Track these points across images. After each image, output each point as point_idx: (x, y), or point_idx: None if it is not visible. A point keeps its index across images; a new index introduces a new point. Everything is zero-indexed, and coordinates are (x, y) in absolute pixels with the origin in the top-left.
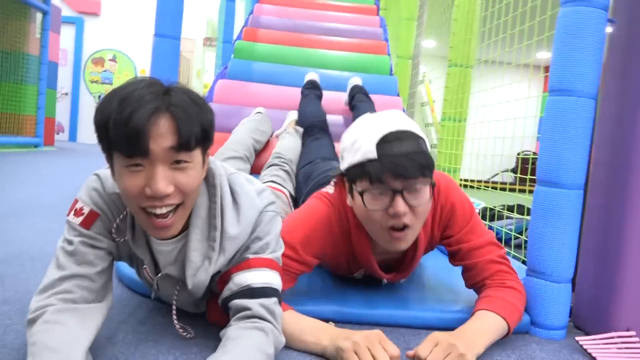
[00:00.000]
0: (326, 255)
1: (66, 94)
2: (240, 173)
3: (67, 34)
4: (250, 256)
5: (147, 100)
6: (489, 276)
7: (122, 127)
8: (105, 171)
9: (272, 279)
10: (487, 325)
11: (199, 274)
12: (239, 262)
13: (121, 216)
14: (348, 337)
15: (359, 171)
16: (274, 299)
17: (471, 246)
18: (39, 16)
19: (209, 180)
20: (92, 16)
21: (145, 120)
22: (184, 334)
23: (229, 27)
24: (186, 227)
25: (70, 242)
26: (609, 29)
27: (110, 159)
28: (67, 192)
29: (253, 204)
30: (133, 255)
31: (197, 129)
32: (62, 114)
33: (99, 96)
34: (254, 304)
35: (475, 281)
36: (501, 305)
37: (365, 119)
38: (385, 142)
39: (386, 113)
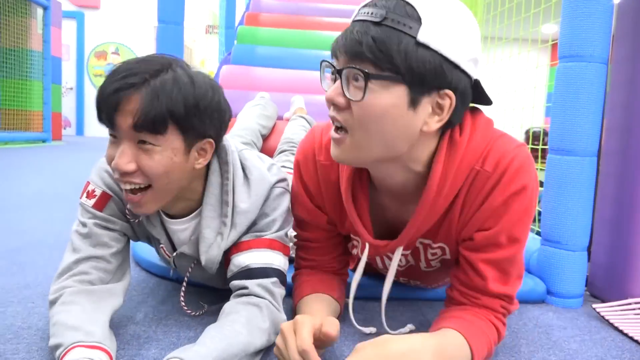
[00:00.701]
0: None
1: (71, 88)
2: (249, 149)
3: (68, 29)
4: (251, 237)
5: (127, 75)
6: (481, 305)
7: (99, 96)
8: None
9: (272, 259)
10: (446, 350)
11: (211, 250)
12: (239, 241)
13: None
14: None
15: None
16: (274, 279)
17: (490, 259)
18: (39, 12)
19: (222, 157)
20: (92, 10)
21: (114, 94)
22: (189, 311)
23: (231, 13)
24: (199, 205)
25: (84, 225)
26: None
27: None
28: (78, 183)
29: (263, 178)
30: (150, 234)
31: (169, 112)
32: (68, 109)
33: None
34: (250, 283)
35: (460, 293)
36: (476, 336)
37: None
38: (364, 5)
39: None
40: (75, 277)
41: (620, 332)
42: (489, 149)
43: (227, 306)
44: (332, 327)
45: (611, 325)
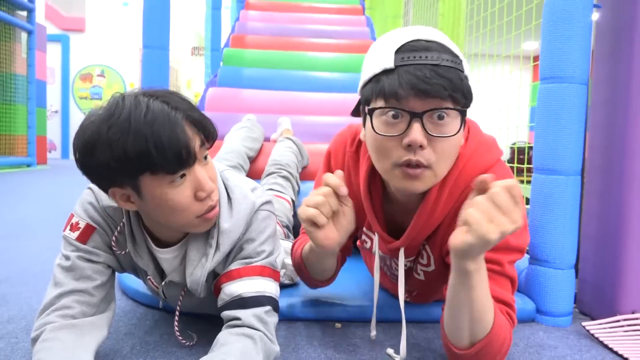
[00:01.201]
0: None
1: (56, 111)
2: (231, 170)
3: (53, 52)
4: (240, 265)
5: (170, 114)
6: None
7: (171, 147)
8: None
9: (264, 286)
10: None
11: (195, 272)
12: (229, 269)
13: (118, 228)
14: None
15: (373, 87)
16: (267, 308)
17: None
18: (24, 36)
19: None
20: (77, 33)
21: (186, 132)
22: (183, 341)
23: (216, 35)
24: (182, 237)
25: (67, 258)
26: (595, 15)
27: (133, 189)
28: (63, 209)
29: (245, 198)
30: (136, 266)
31: (207, 120)
32: (53, 132)
33: None
34: (244, 314)
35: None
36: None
37: (393, 30)
38: (408, 50)
39: (418, 26)
40: (58, 312)
41: (610, 350)
42: (487, 169)
43: (221, 337)
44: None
45: (601, 343)
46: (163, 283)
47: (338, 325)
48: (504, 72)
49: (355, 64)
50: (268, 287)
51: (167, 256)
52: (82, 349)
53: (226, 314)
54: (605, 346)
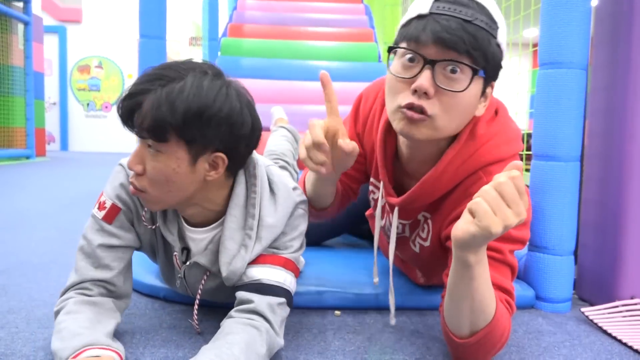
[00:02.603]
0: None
1: (54, 103)
2: (276, 166)
3: (50, 44)
4: (267, 252)
5: (144, 81)
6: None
7: (121, 99)
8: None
9: (284, 278)
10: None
11: (234, 262)
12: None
13: None
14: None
15: (403, 30)
16: (282, 300)
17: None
18: (20, 27)
19: (249, 170)
20: (74, 24)
21: (129, 98)
22: (197, 328)
23: (213, 24)
24: (220, 216)
25: (89, 243)
26: (594, 0)
27: None
28: (62, 201)
29: (289, 196)
30: (160, 243)
31: (168, 121)
32: (51, 124)
33: (88, 104)
34: (258, 298)
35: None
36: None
37: None
38: (445, 1)
39: None
40: (78, 291)
41: (609, 335)
42: (499, 166)
43: (227, 325)
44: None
45: (600, 328)
46: (187, 263)
47: (337, 313)
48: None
49: (354, 53)
50: (288, 279)
51: (198, 236)
52: (103, 325)
53: (241, 294)
54: (604, 332)
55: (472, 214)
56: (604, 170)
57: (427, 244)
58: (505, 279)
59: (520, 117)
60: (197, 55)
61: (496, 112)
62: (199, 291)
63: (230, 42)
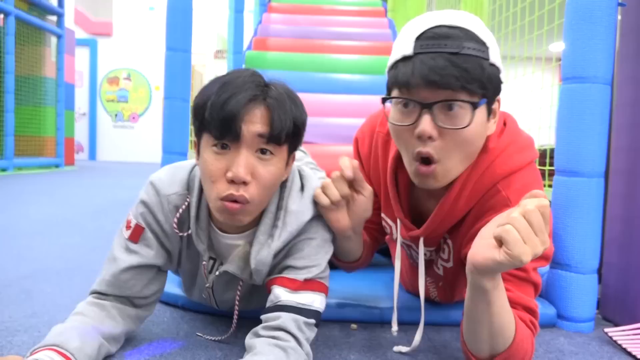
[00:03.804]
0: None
1: (84, 114)
2: (307, 167)
3: (81, 56)
4: (296, 275)
5: (246, 88)
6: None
7: (219, 108)
8: (160, 174)
9: (312, 300)
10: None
11: (262, 252)
12: (286, 275)
13: (181, 209)
14: None
15: (391, 74)
16: (310, 320)
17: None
18: (53, 40)
19: None
20: (104, 37)
21: (242, 105)
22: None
23: (238, 38)
24: (255, 224)
25: (115, 261)
26: (619, 15)
27: (199, 141)
28: (89, 209)
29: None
30: (185, 252)
31: (290, 124)
32: (81, 134)
33: (116, 114)
34: (285, 315)
35: None
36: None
37: (421, 15)
38: (427, 37)
39: (447, 11)
40: (96, 295)
41: (634, 357)
42: (518, 178)
43: (255, 344)
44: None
45: (624, 350)
46: (217, 272)
47: (354, 326)
48: (526, 73)
49: (377, 66)
50: (316, 301)
51: (233, 242)
52: (104, 320)
53: (268, 315)
54: (629, 353)
55: (501, 241)
56: (629, 186)
57: (449, 264)
58: (529, 297)
59: (544, 132)
60: (222, 67)
61: (504, 124)
62: (237, 304)
63: (255, 55)
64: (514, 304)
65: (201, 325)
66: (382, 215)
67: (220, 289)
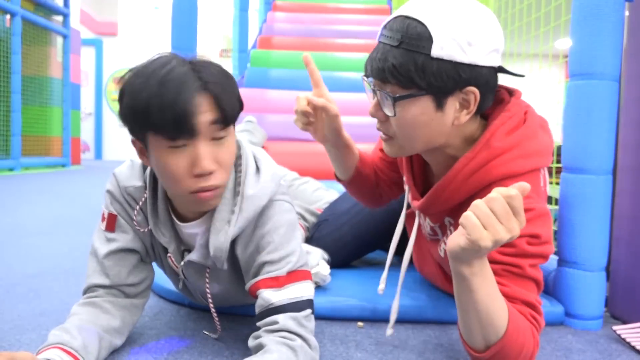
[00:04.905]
0: None
1: (90, 114)
2: (263, 150)
3: (87, 56)
4: (271, 274)
5: (186, 80)
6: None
7: (168, 110)
8: (120, 168)
9: (302, 291)
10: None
11: (219, 238)
12: (262, 273)
13: (138, 205)
14: None
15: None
16: (307, 311)
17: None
18: (59, 40)
19: (237, 150)
20: (110, 37)
21: (191, 101)
22: (212, 334)
23: (243, 37)
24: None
25: (96, 252)
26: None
27: (143, 142)
28: (95, 208)
29: (274, 174)
30: (158, 246)
31: (236, 102)
32: (87, 134)
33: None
34: (282, 317)
35: None
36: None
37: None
38: (384, 27)
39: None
40: (88, 294)
41: None
42: (516, 177)
43: (264, 341)
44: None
45: (632, 348)
46: (182, 263)
47: (360, 324)
48: (533, 70)
49: None
50: (305, 290)
51: (192, 231)
52: (94, 319)
53: (264, 321)
54: (637, 351)
55: (463, 226)
56: (637, 184)
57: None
58: (529, 292)
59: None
60: (228, 66)
61: (524, 121)
62: (208, 292)
63: (260, 54)
64: (511, 298)
65: (207, 324)
66: (404, 178)
67: (192, 279)
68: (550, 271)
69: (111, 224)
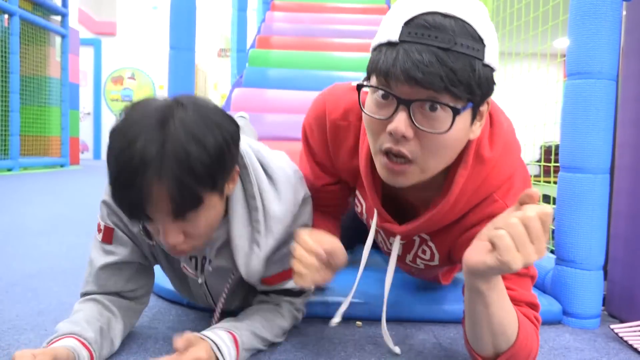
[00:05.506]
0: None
1: (88, 113)
2: (265, 147)
3: (86, 56)
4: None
5: (144, 163)
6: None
7: (124, 197)
8: None
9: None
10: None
11: (251, 262)
12: (283, 271)
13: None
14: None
15: (373, 58)
16: (299, 299)
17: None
18: (58, 40)
19: (239, 161)
20: (108, 37)
21: (140, 194)
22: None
23: (242, 36)
24: (225, 213)
25: (93, 263)
26: (624, 10)
27: None
28: (94, 208)
29: (288, 180)
30: (161, 255)
31: (201, 184)
32: (85, 134)
33: (120, 114)
34: (275, 296)
35: None
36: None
37: None
38: (418, 25)
39: None
40: (86, 297)
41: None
42: (512, 182)
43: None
44: (340, 252)
45: (630, 346)
46: (210, 269)
47: (359, 323)
48: (531, 69)
49: None
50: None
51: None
52: (98, 317)
53: (258, 297)
54: (635, 350)
55: (494, 245)
56: (635, 183)
57: (435, 262)
58: (530, 292)
59: (548, 128)
60: (226, 66)
61: (490, 123)
62: (224, 294)
63: (258, 54)
64: (517, 301)
65: (206, 324)
66: (357, 192)
67: (216, 283)
68: (548, 270)
69: (108, 236)
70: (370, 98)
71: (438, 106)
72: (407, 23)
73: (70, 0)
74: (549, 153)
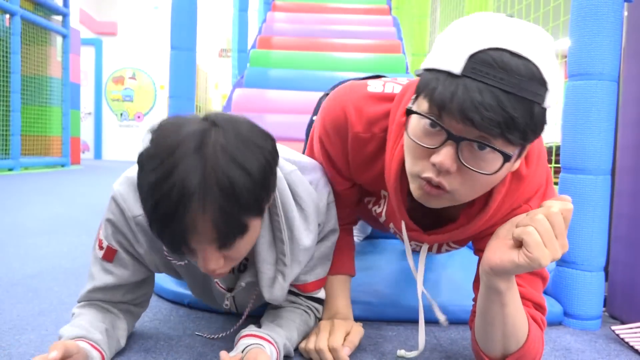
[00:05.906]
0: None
1: (89, 113)
2: (296, 170)
3: (87, 55)
4: (313, 278)
5: (184, 194)
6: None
7: (158, 229)
8: (119, 190)
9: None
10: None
11: (275, 291)
12: (313, 281)
13: None
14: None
15: (429, 79)
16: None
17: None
18: (59, 40)
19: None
20: (109, 36)
21: (183, 227)
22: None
23: (243, 37)
24: None
25: (93, 279)
26: (626, 11)
27: None
28: (94, 208)
29: (318, 209)
30: (189, 271)
31: (247, 212)
32: (86, 133)
33: (121, 114)
34: (304, 299)
35: None
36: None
37: (487, 16)
38: (483, 62)
39: (519, 23)
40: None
41: None
42: (544, 193)
43: (280, 309)
44: (357, 335)
45: (631, 348)
46: (243, 284)
47: (359, 324)
48: None
49: (382, 64)
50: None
51: None
52: (102, 319)
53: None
54: (636, 351)
55: (520, 242)
56: (636, 184)
57: (459, 248)
58: (539, 293)
59: (550, 129)
60: (227, 66)
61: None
62: (250, 306)
63: (259, 54)
64: (525, 299)
65: (207, 324)
66: (372, 194)
67: (240, 295)
68: (549, 271)
69: (110, 255)
70: (418, 123)
71: (487, 149)
72: (472, 56)
73: (71, 0)
74: (550, 154)
